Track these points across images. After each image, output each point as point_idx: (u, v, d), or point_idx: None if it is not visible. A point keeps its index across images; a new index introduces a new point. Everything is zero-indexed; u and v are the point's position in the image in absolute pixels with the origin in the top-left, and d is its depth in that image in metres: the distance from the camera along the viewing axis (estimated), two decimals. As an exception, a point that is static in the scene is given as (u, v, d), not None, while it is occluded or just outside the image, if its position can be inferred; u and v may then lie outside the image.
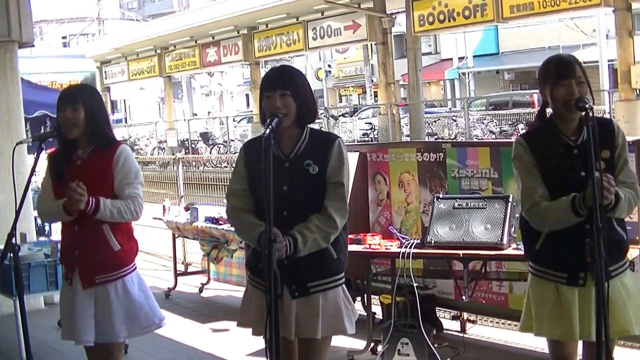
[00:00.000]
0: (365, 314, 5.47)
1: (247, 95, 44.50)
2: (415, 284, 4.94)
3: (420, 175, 5.70)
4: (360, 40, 22.42)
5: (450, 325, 5.77)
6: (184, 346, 5.98)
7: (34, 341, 4.61)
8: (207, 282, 7.98)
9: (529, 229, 3.26)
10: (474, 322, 5.80)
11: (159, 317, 3.79)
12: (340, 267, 3.24)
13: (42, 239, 7.46)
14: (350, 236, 4.97)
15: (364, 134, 25.05)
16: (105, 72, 34.31)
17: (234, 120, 32.05)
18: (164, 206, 8.12)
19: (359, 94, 40.74)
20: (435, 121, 23.35)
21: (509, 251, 4.73)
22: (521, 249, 4.58)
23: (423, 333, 4.88)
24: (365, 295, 5.59)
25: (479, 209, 4.87)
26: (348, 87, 42.03)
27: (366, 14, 21.01)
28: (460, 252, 4.78)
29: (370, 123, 25.28)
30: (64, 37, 49.97)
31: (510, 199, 4.78)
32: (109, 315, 3.61)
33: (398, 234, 5.26)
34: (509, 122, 21.31)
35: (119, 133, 31.36)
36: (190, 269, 8.70)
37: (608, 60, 24.43)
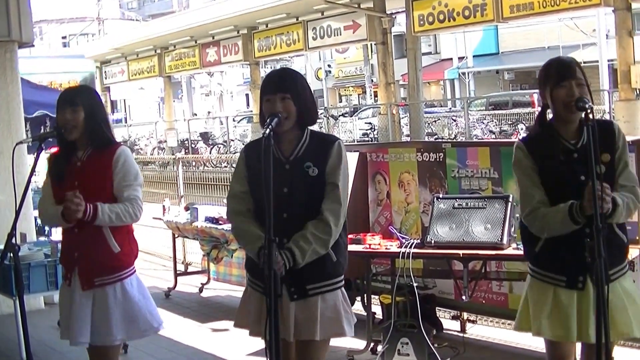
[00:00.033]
0: (365, 313, 5.47)
1: (247, 95, 44.49)
2: (415, 284, 4.94)
3: (420, 175, 5.70)
4: (360, 40, 22.44)
5: (450, 325, 5.77)
6: (183, 346, 5.98)
7: (34, 341, 4.61)
8: (207, 282, 7.98)
9: (529, 231, 3.27)
10: (474, 322, 5.80)
11: (157, 321, 3.77)
12: (340, 270, 3.24)
13: (42, 239, 7.46)
14: (350, 236, 4.98)
15: (363, 134, 25.06)
16: (105, 72, 34.32)
17: (233, 120, 32.05)
18: (163, 206, 8.12)
19: (358, 94, 40.74)
20: (435, 121, 23.36)
21: (509, 251, 4.73)
22: (521, 249, 4.58)
23: (423, 333, 4.88)
24: (365, 295, 5.59)
25: (479, 209, 4.87)
26: (348, 87, 42.04)
27: (366, 14, 21.02)
28: (460, 252, 4.78)
29: (370, 123, 25.29)
30: (63, 37, 49.98)
31: (510, 199, 4.78)
32: (106, 318, 3.60)
33: (398, 234, 5.25)
34: (509, 122, 21.31)
35: (118, 133, 31.41)
36: (190, 269, 8.70)
37: (608, 60, 24.43)
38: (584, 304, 3.12)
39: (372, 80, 32.51)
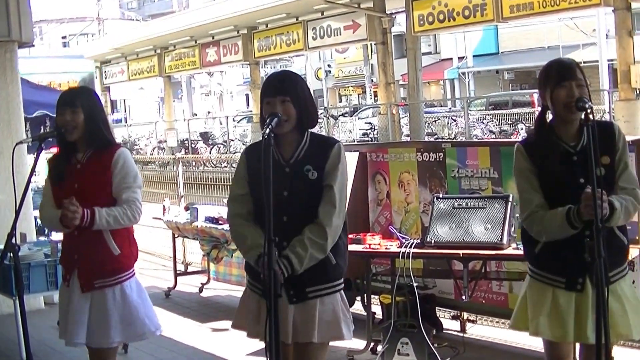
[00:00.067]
0: (365, 313, 5.47)
1: (246, 95, 44.51)
2: (415, 284, 4.94)
3: (420, 175, 5.70)
4: (360, 40, 22.44)
5: (450, 325, 5.77)
6: (183, 346, 5.98)
7: (34, 341, 4.61)
8: (207, 282, 7.98)
9: (528, 231, 3.28)
10: (473, 321, 5.80)
11: (154, 325, 3.76)
12: (339, 273, 3.23)
13: (42, 239, 7.46)
14: (350, 236, 4.97)
15: (363, 134, 25.06)
16: (105, 72, 34.33)
17: (233, 120, 32.06)
18: (163, 206, 8.12)
19: (358, 94, 40.75)
20: (435, 121, 23.36)
21: (509, 251, 4.73)
22: (521, 249, 4.59)
23: (423, 333, 4.88)
24: (365, 295, 5.59)
25: (479, 209, 4.87)
26: (348, 86, 42.05)
27: (366, 14, 21.02)
28: (460, 251, 4.78)
29: (370, 123, 25.29)
30: (63, 37, 49.99)
31: (510, 199, 4.78)
32: (104, 320, 3.60)
33: (398, 234, 5.26)
34: (509, 122, 21.31)
35: (118, 133, 31.44)
36: (190, 269, 8.70)
37: (608, 60, 24.43)
38: (582, 305, 3.13)
39: (372, 80, 32.51)
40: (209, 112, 43.55)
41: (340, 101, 41.76)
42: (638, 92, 16.16)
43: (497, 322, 5.70)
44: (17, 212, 3.39)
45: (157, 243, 10.21)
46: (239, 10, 23.83)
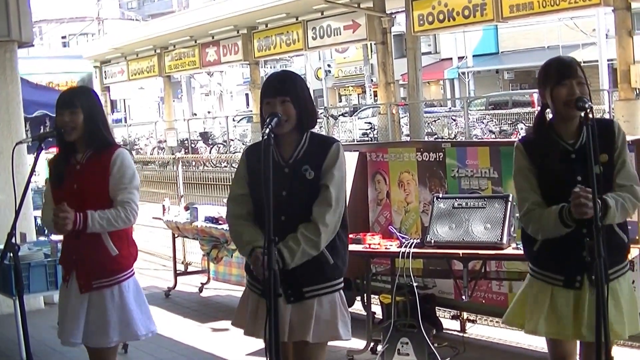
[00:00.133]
0: (365, 313, 5.47)
1: (246, 94, 44.52)
2: (415, 284, 4.94)
3: (420, 174, 5.70)
4: (359, 40, 22.44)
5: (450, 324, 5.77)
6: (183, 346, 5.98)
7: (34, 341, 4.61)
8: (207, 282, 7.97)
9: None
10: (473, 321, 5.81)
11: (148, 327, 3.75)
12: (337, 273, 3.23)
13: (42, 238, 7.45)
14: (350, 236, 4.96)
15: (363, 134, 25.07)
16: (105, 71, 34.35)
17: (233, 120, 32.06)
18: (163, 206, 8.12)
19: (358, 94, 40.76)
20: (434, 121, 23.36)
21: (509, 251, 4.73)
22: (521, 249, 4.59)
23: (423, 333, 4.88)
24: (365, 294, 5.59)
25: (479, 209, 4.87)
26: (348, 86, 42.05)
27: (366, 14, 21.02)
28: (460, 251, 4.78)
29: (369, 123, 25.30)
30: (63, 37, 50.00)
31: (510, 199, 4.78)
32: (103, 320, 3.60)
33: (398, 234, 5.25)
34: (509, 122, 21.32)
35: (118, 133, 31.50)
36: (190, 269, 8.70)
37: (608, 60, 24.44)
38: (580, 303, 3.13)
39: (371, 80, 32.52)
40: (208, 112, 43.54)
41: (340, 101, 41.77)
42: (638, 91, 16.17)
43: (497, 322, 5.69)
44: (17, 212, 3.39)
45: (157, 243, 10.21)
46: (239, 10, 23.84)
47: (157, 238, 10.19)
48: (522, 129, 19.58)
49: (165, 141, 29.64)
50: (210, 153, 26.42)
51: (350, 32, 21.81)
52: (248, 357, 5.52)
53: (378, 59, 21.57)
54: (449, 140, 16.91)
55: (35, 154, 3.51)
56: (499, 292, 5.50)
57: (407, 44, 20.33)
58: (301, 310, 3.15)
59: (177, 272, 8.09)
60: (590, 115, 2.95)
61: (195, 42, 28.14)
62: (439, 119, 23.68)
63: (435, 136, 21.65)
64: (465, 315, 5.77)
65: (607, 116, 16.30)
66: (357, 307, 5.76)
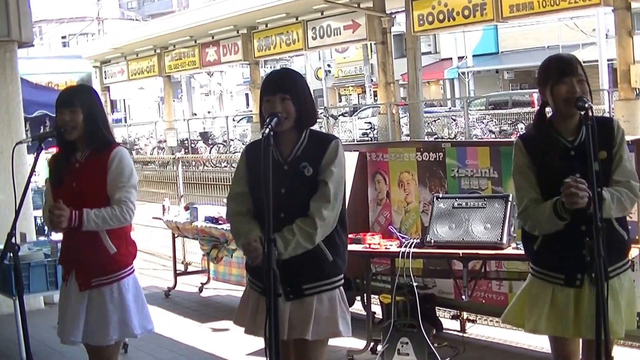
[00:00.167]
0: (365, 313, 5.47)
1: (246, 94, 44.52)
2: (415, 284, 4.94)
3: (420, 174, 5.70)
4: (359, 39, 22.44)
5: (450, 324, 5.77)
6: (183, 346, 5.98)
7: (34, 341, 4.61)
8: (207, 282, 7.97)
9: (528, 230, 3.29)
10: (473, 321, 5.80)
11: (144, 326, 3.75)
12: (337, 269, 3.23)
13: (42, 238, 7.46)
14: (350, 236, 4.96)
15: (363, 134, 25.07)
16: (105, 71, 34.35)
17: (233, 120, 32.06)
18: (163, 206, 8.12)
19: (358, 94, 40.76)
20: (434, 121, 23.36)
21: (509, 250, 4.73)
22: (521, 249, 4.59)
23: (423, 332, 4.88)
24: (364, 294, 5.59)
25: (479, 209, 4.88)
26: (348, 86, 42.06)
27: (366, 14, 21.02)
28: (460, 251, 4.78)
29: (369, 123, 25.30)
30: (63, 37, 50.00)
31: (510, 199, 4.78)
32: (103, 318, 3.61)
33: (398, 234, 5.25)
34: (509, 122, 21.32)
35: (118, 133, 31.45)
36: (190, 269, 8.70)
37: (608, 60, 24.46)
38: (581, 301, 3.13)
39: (371, 80, 32.53)
40: (208, 112, 43.56)
41: (340, 101, 41.77)
42: (638, 91, 16.17)
43: (497, 321, 5.69)
44: (17, 212, 3.40)
45: (157, 243, 10.21)
46: (239, 10, 23.84)
47: (157, 238, 10.19)
48: (522, 129, 19.57)
49: (165, 141, 29.64)
50: (210, 153, 26.42)
51: (350, 32, 21.81)
52: (248, 357, 5.52)
53: (378, 59, 21.57)
54: (449, 140, 16.91)
55: (35, 154, 3.52)
56: (499, 292, 5.50)
57: (407, 44, 20.33)
58: (301, 308, 3.16)
59: (177, 272, 8.09)
60: (590, 114, 2.95)
61: (195, 42, 28.14)
62: (439, 119, 23.68)
63: (435, 136, 21.65)
64: (465, 315, 5.77)
65: (607, 115, 16.32)
66: (357, 307, 5.77)
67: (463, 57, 33.44)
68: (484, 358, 5.32)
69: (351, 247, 4.73)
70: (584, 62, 3.27)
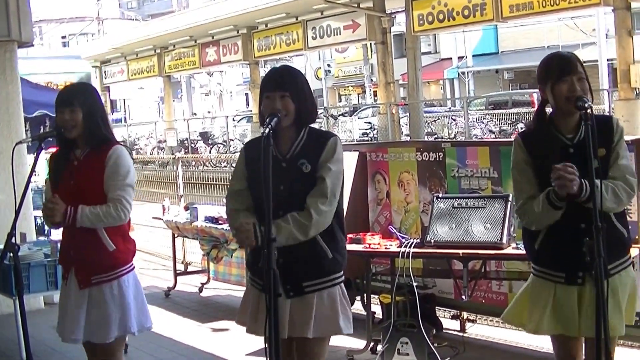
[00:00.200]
0: (365, 313, 5.47)
1: (246, 94, 44.51)
2: (414, 284, 4.94)
3: (420, 174, 5.70)
4: (359, 39, 22.44)
5: (449, 324, 5.77)
6: (183, 346, 5.98)
7: (34, 341, 4.61)
8: (207, 282, 7.97)
9: (528, 229, 3.28)
10: (473, 321, 5.81)
11: (142, 323, 3.75)
12: (337, 266, 3.23)
13: (42, 238, 7.46)
14: (349, 235, 4.98)
15: (363, 134, 25.07)
16: (105, 71, 34.35)
17: (233, 120, 32.05)
18: (163, 206, 8.12)
19: (358, 94, 40.76)
20: (434, 121, 23.36)
21: (509, 250, 4.73)
22: (521, 248, 4.59)
23: (423, 332, 4.88)
24: (364, 294, 5.59)
25: (479, 209, 4.88)
26: (347, 86, 42.06)
27: (366, 14, 21.02)
28: (460, 251, 4.78)
29: (369, 122, 25.30)
30: (63, 37, 50.00)
31: (510, 198, 4.78)
32: (104, 316, 3.61)
33: (397, 234, 5.26)
34: (509, 122, 21.32)
35: (118, 133, 31.41)
36: (189, 269, 8.70)
37: (607, 60, 24.46)
38: (584, 298, 3.12)
39: (371, 80, 32.51)
40: (208, 112, 43.56)
41: (340, 101, 41.77)
42: (638, 91, 16.17)
43: (497, 321, 5.69)
44: (17, 212, 3.40)
45: (156, 243, 10.21)
46: (239, 10, 23.83)
47: (157, 238, 10.19)
48: (521, 128, 19.56)
49: (165, 141, 29.64)
50: (210, 153, 26.42)
51: (350, 32, 21.81)
52: (248, 357, 5.52)
53: (378, 58, 21.57)
54: (448, 140, 16.91)
55: (35, 154, 3.52)
56: (498, 291, 5.50)
57: (407, 44, 20.33)
58: (301, 306, 3.16)
59: (177, 272, 8.10)
60: (589, 112, 2.95)
61: (195, 42, 28.14)
62: (438, 118, 23.68)
63: (435, 136, 21.64)
64: (465, 315, 5.77)
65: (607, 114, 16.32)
66: (357, 306, 5.76)
67: (463, 57, 33.44)
68: (484, 358, 5.32)
69: (351, 247, 4.74)
70: (584, 62, 3.27)
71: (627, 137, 3.36)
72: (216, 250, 7.25)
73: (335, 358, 5.22)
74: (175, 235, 8.03)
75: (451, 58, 34.29)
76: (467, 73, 33.68)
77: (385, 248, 5.16)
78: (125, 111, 48.81)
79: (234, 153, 22.19)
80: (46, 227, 8.48)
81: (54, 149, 3.86)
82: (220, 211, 7.16)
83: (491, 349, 5.50)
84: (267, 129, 2.95)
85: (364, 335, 5.34)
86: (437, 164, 5.60)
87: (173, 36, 28.30)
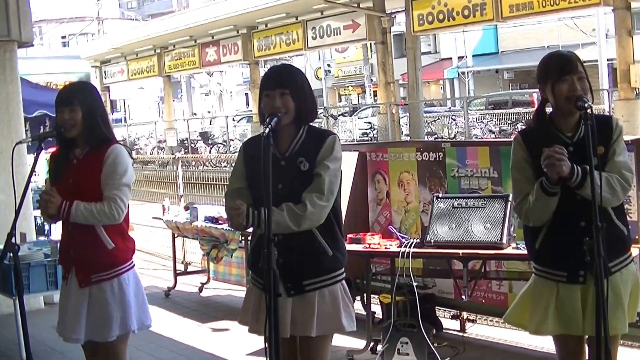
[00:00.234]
0: (365, 313, 5.47)
1: (246, 94, 44.50)
2: (414, 284, 4.94)
3: (420, 174, 5.70)
4: (359, 39, 22.44)
5: (449, 324, 5.77)
6: (183, 346, 5.98)
7: (34, 341, 4.62)
8: (207, 282, 7.98)
9: (528, 228, 3.29)
10: (473, 321, 5.81)
11: (142, 322, 3.74)
12: (337, 264, 3.23)
13: (42, 238, 7.46)
14: (349, 235, 4.98)
15: (363, 134, 25.06)
16: (105, 71, 34.36)
17: (233, 120, 32.05)
18: (163, 206, 8.12)
19: (358, 94, 40.76)
20: (434, 120, 23.36)
21: (509, 250, 4.73)
22: (520, 248, 4.59)
23: (423, 332, 4.88)
24: (364, 294, 5.59)
25: (479, 208, 4.88)
26: (347, 86, 42.05)
27: (365, 14, 21.02)
28: (460, 251, 4.78)
29: (369, 122, 25.30)
30: (63, 37, 49.99)
31: (510, 198, 4.78)
32: (104, 314, 3.61)
33: (397, 234, 5.26)
34: (509, 122, 21.32)
35: (118, 133, 31.42)
36: (189, 269, 8.70)
37: (607, 60, 24.47)
38: (588, 297, 3.11)
39: (371, 80, 32.52)
40: (208, 112, 43.55)
41: (340, 101, 41.76)
42: (638, 91, 16.17)
43: (497, 321, 5.69)
44: (17, 212, 3.40)
45: (156, 243, 10.21)
46: (239, 9, 23.84)
47: (157, 238, 10.19)
48: (522, 128, 19.57)
49: (165, 141, 29.64)
50: (210, 153, 26.42)
51: (350, 32, 21.81)
52: (248, 357, 5.52)
53: (378, 58, 21.57)
54: (448, 140, 16.91)
55: (35, 154, 3.52)
56: (498, 291, 5.50)
57: (407, 44, 20.33)
58: (302, 304, 3.16)
59: (177, 272, 8.10)
60: (589, 112, 2.95)
61: (195, 42, 28.15)
62: (438, 118, 23.67)
63: (435, 136, 21.64)
64: (465, 315, 5.77)
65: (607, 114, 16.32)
66: (357, 306, 5.73)
67: (463, 57, 33.44)
68: (484, 358, 5.32)
69: (351, 247, 4.74)
70: (584, 62, 3.27)
71: (627, 137, 3.37)
72: (216, 250, 7.26)
73: (336, 358, 5.22)
74: (175, 235, 8.03)
75: (451, 58, 34.29)
76: (467, 73, 33.68)
77: (385, 248, 5.16)
78: (125, 111, 48.81)
79: (234, 153, 22.18)
80: (46, 227, 8.50)
81: (53, 149, 3.86)
82: (220, 211, 7.16)
83: (491, 349, 5.50)
84: (267, 129, 2.95)
85: (364, 335, 5.33)
86: (437, 164, 5.60)
87: (173, 36, 28.31)
